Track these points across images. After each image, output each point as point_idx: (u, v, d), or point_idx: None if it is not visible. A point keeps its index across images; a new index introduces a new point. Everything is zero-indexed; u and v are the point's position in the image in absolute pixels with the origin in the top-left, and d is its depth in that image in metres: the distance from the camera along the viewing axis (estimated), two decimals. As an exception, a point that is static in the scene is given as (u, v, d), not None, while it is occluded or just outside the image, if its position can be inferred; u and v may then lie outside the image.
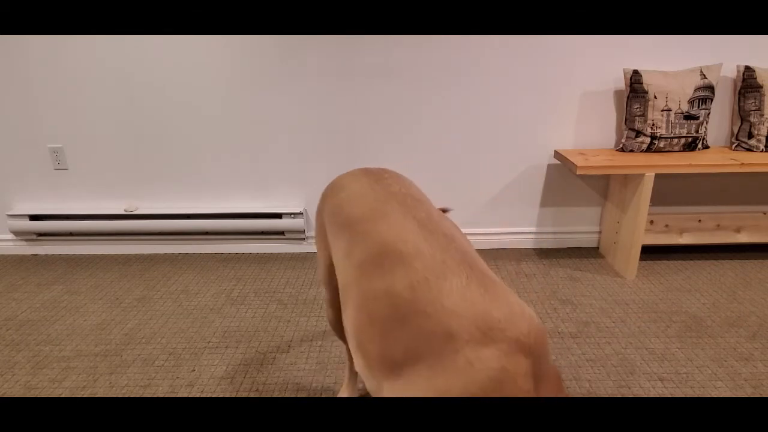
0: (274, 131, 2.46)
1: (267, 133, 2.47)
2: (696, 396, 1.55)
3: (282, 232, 2.61)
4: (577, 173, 2.15)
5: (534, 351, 0.79)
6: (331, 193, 1.20)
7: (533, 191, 2.57)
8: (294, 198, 2.58)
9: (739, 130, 2.33)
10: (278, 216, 2.53)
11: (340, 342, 1.83)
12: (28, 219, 2.55)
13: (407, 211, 1.01)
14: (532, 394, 0.76)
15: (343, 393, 1.53)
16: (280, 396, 1.57)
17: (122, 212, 2.55)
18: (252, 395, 1.57)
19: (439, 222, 1.00)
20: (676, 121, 2.25)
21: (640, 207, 2.19)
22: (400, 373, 0.84)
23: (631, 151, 2.33)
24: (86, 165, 2.53)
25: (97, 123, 2.45)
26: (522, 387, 0.75)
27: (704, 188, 2.54)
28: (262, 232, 2.62)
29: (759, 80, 2.23)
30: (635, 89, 2.25)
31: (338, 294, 1.26)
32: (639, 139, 2.29)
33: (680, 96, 2.21)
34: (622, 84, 2.36)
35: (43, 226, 2.57)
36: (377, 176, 1.17)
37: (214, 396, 1.58)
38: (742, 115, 2.31)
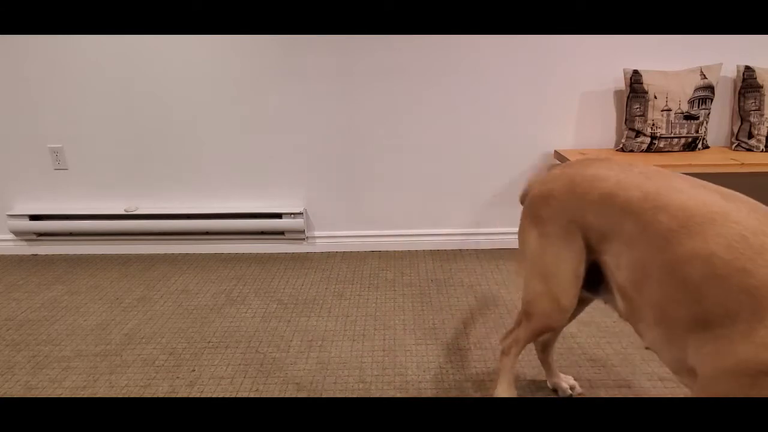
0: (274, 131, 2.46)
1: (267, 133, 2.47)
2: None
3: (282, 232, 2.61)
4: (577, 173, 2.15)
5: None
6: (588, 187, 1.16)
7: (533, 191, 2.57)
8: (294, 198, 2.58)
9: (739, 130, 2.33)
10: (278, 216, 2.53)
11: (340, 342, 1.83)
12: (28, 219, 2.55)
13: (684, 178, 1.04)
14: None
15: (505, 393, 1.46)
16: (280, 396, 1.57)
17: (122, 212, 2.55)
18: (252, 395, 1.57)
19: (714, 186, 1.02)
20: (676, 121, 2.25)
21: (640, 207, 2.18)
22: (713, 334, 0.87)
23: (631, 151, 2.33)
24: (86, 165, 2.53)
25: (97, 123, 2.45)
26: None
27: (704, 188, 2.54)
28: (262, 232, 2.62)
29: (759, 80, 2.23)
30: (635, 89, 2.25)
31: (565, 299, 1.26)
32: (639, 139, 2.29)
33: (680, 96, 2.21)
34: (622, 84, 2.36)
35: (43, 226, 2.57)
36: (618, 162, 1.17)
37: (214, 396, 1.58)
38: (742, 115, 2.31)
